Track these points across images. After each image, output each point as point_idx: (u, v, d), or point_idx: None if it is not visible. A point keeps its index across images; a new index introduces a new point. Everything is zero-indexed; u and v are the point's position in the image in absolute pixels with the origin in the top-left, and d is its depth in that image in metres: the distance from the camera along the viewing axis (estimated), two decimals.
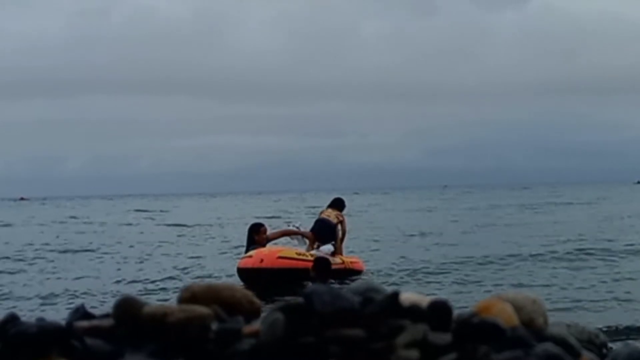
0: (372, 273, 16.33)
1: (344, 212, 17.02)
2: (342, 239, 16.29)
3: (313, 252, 15.56)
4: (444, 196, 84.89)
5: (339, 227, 16.30)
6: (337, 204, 16.81)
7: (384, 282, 14.42)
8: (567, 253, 19.20)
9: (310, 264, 14.11)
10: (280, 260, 14.68)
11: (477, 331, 2.33)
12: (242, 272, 14.50)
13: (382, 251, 21.40)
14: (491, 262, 17.89)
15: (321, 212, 16.81)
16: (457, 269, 16.87)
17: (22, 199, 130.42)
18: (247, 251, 15.56)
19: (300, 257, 15.04)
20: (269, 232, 15.98)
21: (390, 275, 16.27)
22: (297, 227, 16.62)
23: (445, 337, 2.31)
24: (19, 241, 26.65)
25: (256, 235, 15.54)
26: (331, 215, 16.43)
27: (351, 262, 16.01)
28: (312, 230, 16.22)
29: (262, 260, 14.68)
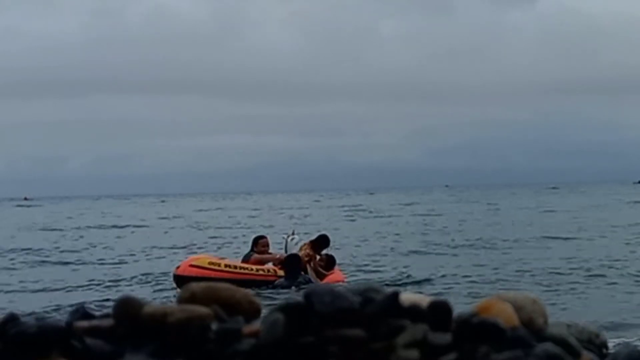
0: None
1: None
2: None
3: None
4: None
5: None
6: (319, 244, 16.35)
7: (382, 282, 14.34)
8: None
9: (220, 274, 14.60)
10: (190, 268, 15.24)
11: (477, 331, 2.33)
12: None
13: None
14: None
15: (300, 247, 16.18)
16: None
17: (25, 199, 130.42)
18: (243, 259, 16.05)
19: (210, 266, 15.27)
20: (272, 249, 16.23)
21: None
22: (288, 235, 16.68)
23: (445, 337, 2.31)
24: None
25: (255, 247, 16.16)
26: (303, 252, 15.93)
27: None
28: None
29: (178, 267, 15.50)
